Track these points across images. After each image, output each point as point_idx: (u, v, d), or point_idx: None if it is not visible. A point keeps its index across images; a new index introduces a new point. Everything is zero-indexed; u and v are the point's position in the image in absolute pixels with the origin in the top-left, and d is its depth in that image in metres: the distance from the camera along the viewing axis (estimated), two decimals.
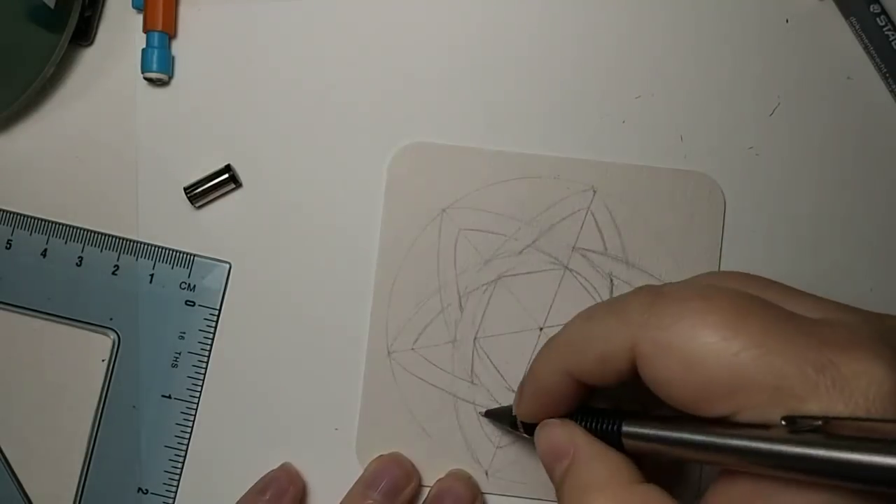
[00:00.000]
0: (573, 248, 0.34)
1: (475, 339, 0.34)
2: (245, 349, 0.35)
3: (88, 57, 0.36)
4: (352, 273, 0.35)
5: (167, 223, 0.36)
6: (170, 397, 0.35)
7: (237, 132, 0.36)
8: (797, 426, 0.21)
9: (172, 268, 0.35)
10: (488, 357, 0.34)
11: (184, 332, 0.35)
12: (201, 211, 0.36)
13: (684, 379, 0.22)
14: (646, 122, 0.35)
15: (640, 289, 0.25)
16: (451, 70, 0.35)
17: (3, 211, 0.36)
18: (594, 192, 0.34)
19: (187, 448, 0.35)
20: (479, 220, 0.35)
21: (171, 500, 0.35)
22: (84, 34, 0.36)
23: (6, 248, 0.35)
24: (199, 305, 0.35)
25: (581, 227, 0.34)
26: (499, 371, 0.34)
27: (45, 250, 0.35)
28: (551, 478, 0.27)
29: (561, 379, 0.27)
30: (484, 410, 0.34)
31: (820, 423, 0.20)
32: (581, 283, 0.34)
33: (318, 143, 0.35)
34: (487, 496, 0.34)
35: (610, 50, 0.35)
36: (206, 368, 0.35)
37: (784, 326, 0.22)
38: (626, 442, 0.26)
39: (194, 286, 0.35)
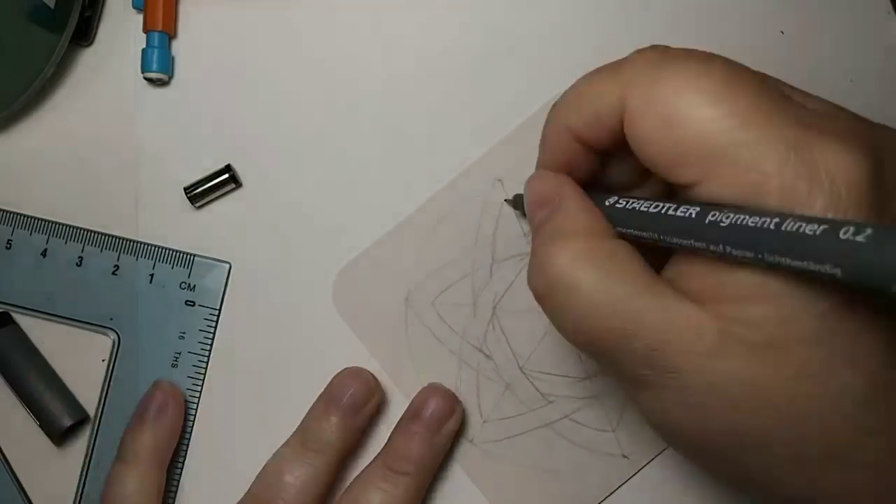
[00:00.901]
0: (525, 234, 0.34)
1: (521, 369, 0.34)
2: (245, 349, 0.35)
3: (88, 57, 0.36)
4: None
5: (167, 223, 0.36)
6: None
7: (237, 132, 0.36)
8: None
9: (172, 268, 0.35)
10: (542, 373, 0.34)
11: (184, 332, 0.35)
12: (201, 211, 0.36)
13: (662, 137, 0.22)
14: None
15: (646, 48, 0.25)
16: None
17: (3, 211, 0.36)
18: (500, 181, 0.34)
19: (188, 446, 0.35)
20: (439, 281, 0.34)
21: (171, 500, 0.35)
22: (84, 34, 0.36)
23: (6, 248, 0.35)
24: (199, 305, 0.35)
25: (515, 215, 0.34)
26: (559, 376, 0.34)
27: (46, 250, 0.35)
28: (531, 224, 0.27)
29: (563, 137, 0.26)
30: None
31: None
32: None
33: (318, 143, 0.35)
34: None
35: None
36: (206, 368, 0.35)
37: (771, 104, 0.22)
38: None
39: (194, 286, 0.35)
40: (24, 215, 0.36)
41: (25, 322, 0.36)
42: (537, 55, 0.35)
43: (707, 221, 0.21)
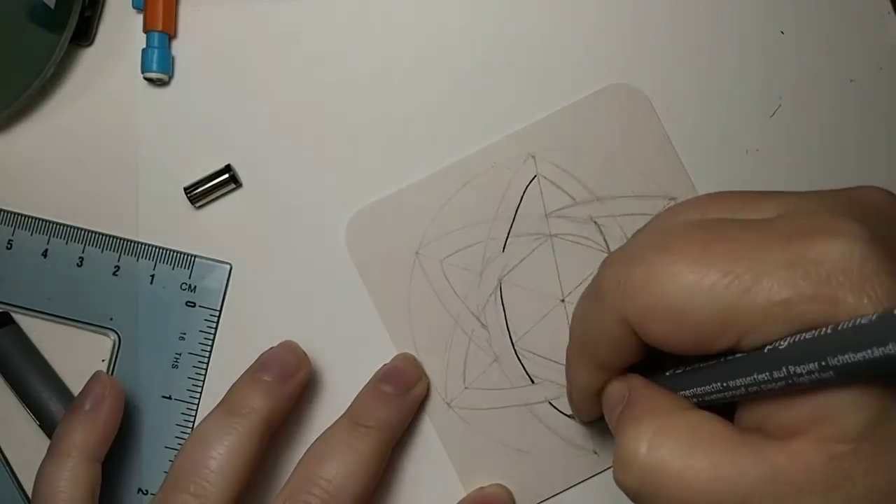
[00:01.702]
0: (546, 215, 0.35)
1: (513, 345, 0.34)
2: (245, 350, 0.35)
3: (88, 57, 0.36)
4: (353, 272, 0.35)
5: (167, 223, 0.35)
6: (170, 398, 0.35)
7: (237, 132, 0.36)
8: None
9: (173, 268, 0.35)
10: (534, 353, 0.34)
11: (184, 333, 0.35)
12: (201, 211, 0.35)
13: (678, 332, 0.22)
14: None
15: (604, 262, 0.25)
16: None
17: (4, 211, 0.36)
18: (533, 157, 0.34)
19: None
20: (452, 242, 0.35)
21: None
22: (84, 34, 0.36)
23: (7, 248, 0.35)
24: (200, 306, 0.35)
25: (541, 193, 0.35)
26: (549, 360, 0.34)
27: (46, 250, 0.35)
28: (612, 428, 0.27)
29: (598, 378, 0.27)
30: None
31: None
32: (572, 241, 0.35)
33: (318, 143, 0.35)
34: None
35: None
36: (206, 369, 0.35)
37: (746, 242, 0.22)
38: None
39: (195, 287, 0.35)
40: (25, 215, 0.36)
41: (25, 322, 0.36)
42: (533, 60, 0.35)
43: (766, 350, 0.21)
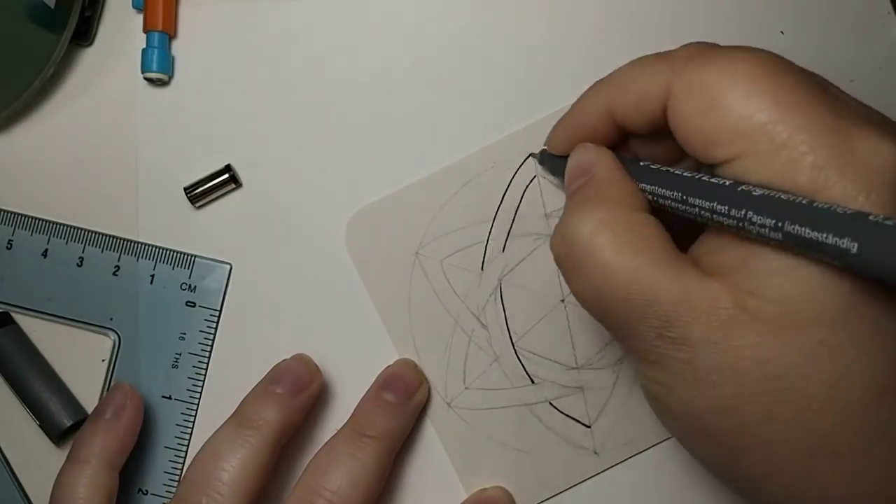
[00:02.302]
0: (546, 215, 0.35)
1: (514, 345, 0.34)
2: (245, 350, 0.35)
3: (88, 57, 0.36)
4: (353, 272, 0.35)
5: (167, 223, 0.35)
6: (170, 398, 0.35)
7: (237, 132, 0.36)
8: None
9: (173, 268, 0.35)
10: (533, 353, 0.34)
11: (184, 333, 0.35)
12: (201, 211, 0.35)
13: (704, 116, 0.23)
14: None
15: (692, 43, 0.25)
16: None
17: (4, 211, 0.36)
18: (534, 156, 0.34)
19: (187, 448, 0.35)
20: (452, 242, 0.35)
21: (171, 501, 0.35)
22: (84, 34, 0.36)
23: (7, 248, 0.35)
24: (200, 306, 0.35)
25: (541, 193, 0.34)
26: (549, 360, 0.34)
27: (46, 250, 0.35)
28: (567, 192, 0.27)
29: (599, 115, 0.27)
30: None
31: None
32: None
33: (318, 143, 0.35)
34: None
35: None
36: (206, 369, 0.35)
37: (809, 91, 0.22)
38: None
39: (195, 287, 0.35)
40: (25, 215, 0.36)
41: (26, 322, 0.36)
42: (534, 60, 0.35)
43: (739, 189, 0.22)
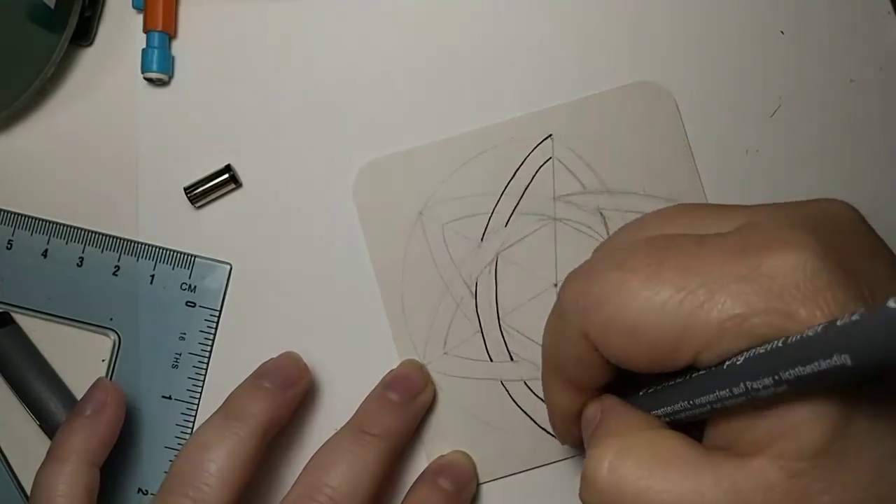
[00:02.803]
0: (554, 198, 0.35)
1: (499, 320, 0.34)
2: (245, 350, 0.35)
3: (88, 57, 0.36)
4: (353, 272, 0.35)
5: (167, 223, 0.35)
6: (170, 398, 0.35)
7: (237, 132, 0.36)
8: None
9: (173, 269, 0.35)
10: (518, 332, 0.34)
11: (184, 333, 0.35)
12: (201, 211, 0.35)
13: (635, 349, 0.23)
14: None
15: (565, 279, 0.25)
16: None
17: (4, 211, 0.36)
18: (552, 138, 0.35)
19: None
20: (457, 208, 0.35)
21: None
22: (84, 34, 0.36)
23: (7, 248, 0.35)
24: (200, 306, 0.35)
25: (553, 176, 0.35)
26: (532, 340, 0.34)
27: (46, 250, 0.35)
28: (587, 449, 0.27)
29: (573, 399, 0.27)
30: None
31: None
32: (575, 229, 0.35)
33: (318, 143, 0.35)
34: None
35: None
36: (206, 369, 0.35)
37: (700, 257, 0.22)
38: None
39: (195, 287, 0.35)
40: (25, 215, 0.36)
41: (26, 322, 0.36)
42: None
43: (725, 366, 0.21)
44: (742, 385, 0.21)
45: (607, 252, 0.26)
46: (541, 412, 0.34)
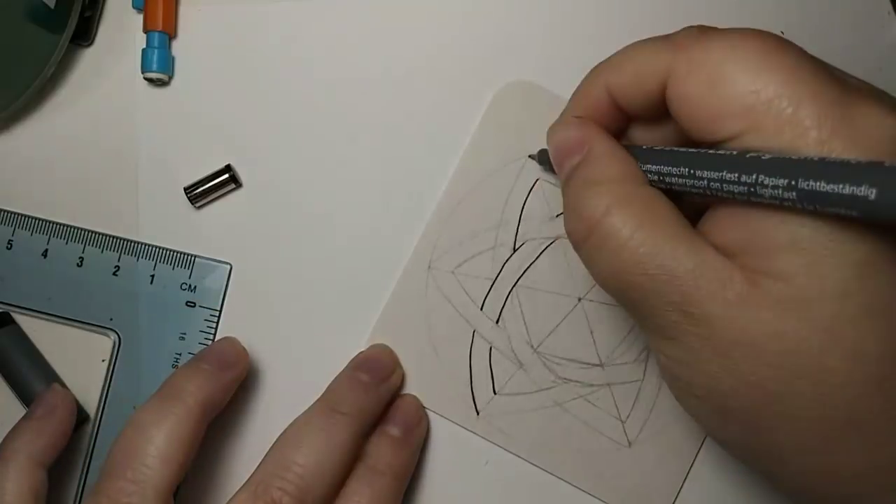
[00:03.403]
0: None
1: (515, 284, 0.34)
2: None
3: (88, 57, 0.36)
4: (354, 273, 0.35)
5: (167, 223, 0.36)
6: None
7: (237, 132, 0.36)
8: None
9: (173, 269, 0.35)
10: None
11: (184, 333, 0.35)
12: (201, 211, 0.36)
13: (706, 94, 0.23)
14: None
15: (692, 25, 0.25)
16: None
17: (4, 211, 0.36)
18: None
19: None
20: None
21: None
22: (84, 34, 0.36)
23: (7, 248, 0.35)
24: (200, 306, 0.35)
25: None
26: (525, 323, 0.34)
27: (46, 251, 0.35)
28: (559, 175, 0.27)
29: (598, 97, 0.27)
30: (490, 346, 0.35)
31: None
32: None
33: (318, 143, 0.35)
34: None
35: None
36: None
37: (813, 67, 0.22)
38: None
39: (195, 287, 0.35)
40: (25, 216, 0.36)
41: (26, 322, 0.36)
42: (544, 52, 0.35)
43: (747, 156, 0.22)
44: (754, 175, 0.21)
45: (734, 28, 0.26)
46: (482, 379, 0.34)
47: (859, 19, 0.35)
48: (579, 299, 0.34)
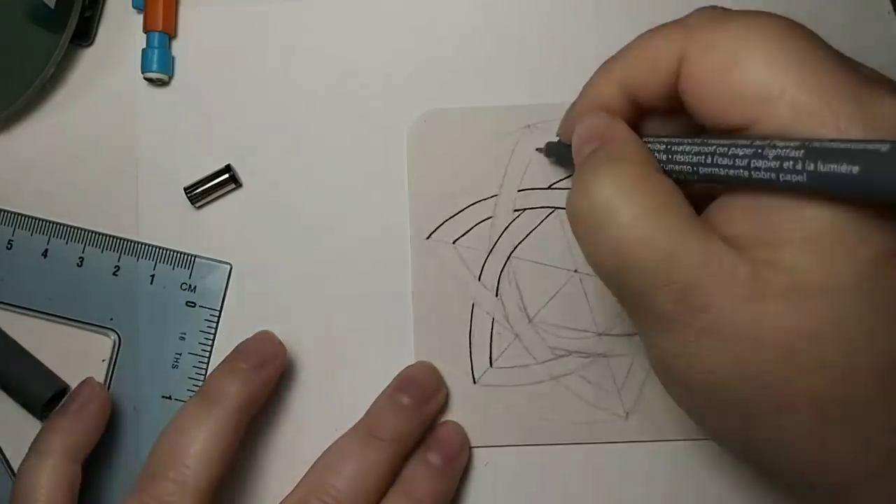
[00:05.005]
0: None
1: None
2: None
3: (88, 57, 0.36)
4: (354, 272, 0.35)
5: (167, 223, 0.36)
6: (170, 398, 0.35)
7: (237, 132, 0.36)
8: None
9: (173, 269, 0.35)
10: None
11: (184, 333, 0.35)
12: (201, 211, 0.36)
13: (720, 80, 0.23)
14: None
15: (705, 7, 0.25)
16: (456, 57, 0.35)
17: (5, 211, 0.36)
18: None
19: None
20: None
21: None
22: (84, 34, 0.36)
23: (7, 248, 0.35)
24: (200, 306, 0.35)
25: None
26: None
27: (46, 251, 0.35)
28: (577, 157, 0.27)
29: (611, 89, 0.27)
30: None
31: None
32: None
33: (318, 143, 0.35)
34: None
35: None
36: (206, 369, 0.35)
37: (828, 55, 0.22)
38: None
39: (195, 287, 0.35)
40: (25, 216, 0.36)
41: (26, 322, 0.36)
42: (542, 56, 0.35)
43: (757, 141, 0.22)
44: (772, 150, 0.21)
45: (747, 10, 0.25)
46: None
47: (859, 19, 0.35)
48: (575, 271, 0.34)
